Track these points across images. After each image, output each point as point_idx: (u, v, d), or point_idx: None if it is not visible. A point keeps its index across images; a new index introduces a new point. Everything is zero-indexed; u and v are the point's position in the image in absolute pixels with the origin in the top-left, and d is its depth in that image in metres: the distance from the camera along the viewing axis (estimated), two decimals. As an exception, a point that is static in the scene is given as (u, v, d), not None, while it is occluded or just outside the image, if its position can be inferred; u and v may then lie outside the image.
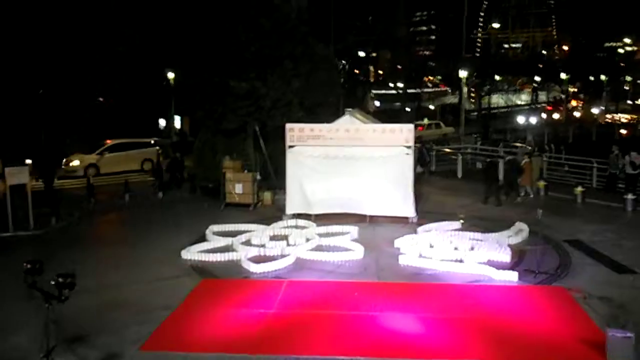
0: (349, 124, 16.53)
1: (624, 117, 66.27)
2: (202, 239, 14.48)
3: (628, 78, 79.23)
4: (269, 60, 18.36)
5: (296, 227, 15.59)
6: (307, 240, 14.14)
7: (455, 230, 15.04)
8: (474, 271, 11.95)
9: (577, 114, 64.62)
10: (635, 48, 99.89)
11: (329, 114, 19.42)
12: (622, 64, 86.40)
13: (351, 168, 16.31)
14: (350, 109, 17.57)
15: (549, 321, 9.52)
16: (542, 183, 19.76)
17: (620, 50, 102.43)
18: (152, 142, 29.81)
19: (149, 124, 38.87)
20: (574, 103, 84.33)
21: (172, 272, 12.25)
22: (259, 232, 14.85)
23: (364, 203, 16.29)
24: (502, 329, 9.24)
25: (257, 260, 12.66)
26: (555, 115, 75.77)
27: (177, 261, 13.01)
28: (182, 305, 10.36)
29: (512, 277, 11.53)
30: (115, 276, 12.02)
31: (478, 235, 14.23)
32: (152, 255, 13.48)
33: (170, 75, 35.00)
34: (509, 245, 13.47)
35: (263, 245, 13.76)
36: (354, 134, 16.21)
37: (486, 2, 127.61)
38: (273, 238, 14.53)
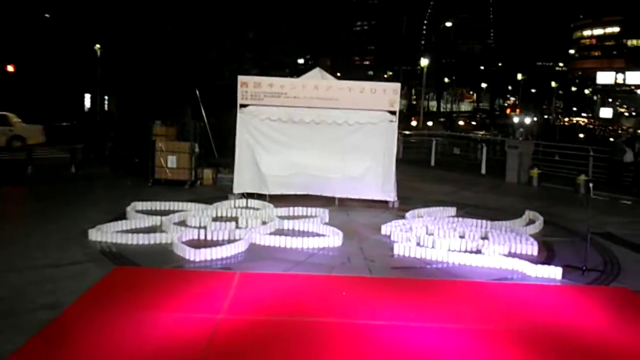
0: (319, 79, 13.01)
1: (581, 120, 67.48)
2: (122, 217, 10.64)
3: (573, 88, 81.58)
4: (216, 2, 14.60)
5: (247, 207, 11.99)
6: (264, 223, 10.57)
7: (453, 217, 11.84)
8: (499, 265, 8.71)
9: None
10: (566, 68, 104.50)
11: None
12: (553, 82, 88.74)
13: (320, 137, 12.85)
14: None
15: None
16: (535, 171, 16.90)
17: (557, 68, 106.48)
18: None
19: (72, 102, 34.17)
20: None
21: (71, 257, 8.43)
22: (198, 212, 11.17)
23: (335, 182, 12.82)
24: (573, 346, 5.98)
25: (196, 245, 8.99)
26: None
27: (83, 243, 9.19)
28: (77, 303, 6.58)
29: (554, 273, 8.33)
30: (-14, 262, 8.09)
31: (485, 222, 11.04)
32: (48, 236, 9.59)
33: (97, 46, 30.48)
34: (531, 236, 10.33)
35: (204, 228, 10.06)
36: (325, 92, 12.70)
37: (430, 11, 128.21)
38: (217, 219, 10.89)
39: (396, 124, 12.86)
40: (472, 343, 5.96)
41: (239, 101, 12.80)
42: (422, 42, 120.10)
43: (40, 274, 7.65)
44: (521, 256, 9.13)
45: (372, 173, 12.82)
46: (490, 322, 6.62)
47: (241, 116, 12.86)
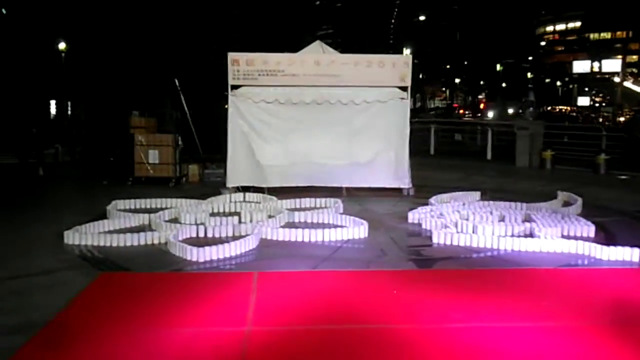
0: (320, 53, 11.52)
1: (564, 109, 69.72)
2: (102, 218, 9.01)
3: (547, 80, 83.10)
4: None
5: (246, 201, 10.48)
6: (270, 217, 9.07)
7: (480, 201, 10.51)
8: (559, 249, 7.37)
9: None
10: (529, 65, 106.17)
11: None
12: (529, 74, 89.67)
13: (323, 119, 11.37)
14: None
15: None
16: (549, 153, 15.72)
17: (523, 65, 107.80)
18: None
19: (36, 108, 32.09)
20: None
21: (44, 265, 6.81)
22: (192, 208, 9.61)
23: (342, 171, 11.36)
24: None
25: (195, 243, 7.44)
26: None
27: (58, 248, 7.57)
28: (54, 323, 5.01)
29: (631, 255, 7.02)
30: None
31: (521, 205, 9.72)
32: (13, 243, 7.93)
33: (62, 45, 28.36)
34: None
35: (201, 224, 8.52)
36: (327, 68, 11.23)
37: (396, 10, 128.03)
38: (214, 215, 9.35)
39: (408, 101, 11.50)
40: (571, 344, 4.59)
41: (230, 81, 11.25)
42: (391, 41, 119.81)
43: (4, 288, 6.04)
44: (577, 238, 7.81)
45: (383, 158, 11.41)
46: (583, 316, 5.27)
47: (233, 99, 11.31)
